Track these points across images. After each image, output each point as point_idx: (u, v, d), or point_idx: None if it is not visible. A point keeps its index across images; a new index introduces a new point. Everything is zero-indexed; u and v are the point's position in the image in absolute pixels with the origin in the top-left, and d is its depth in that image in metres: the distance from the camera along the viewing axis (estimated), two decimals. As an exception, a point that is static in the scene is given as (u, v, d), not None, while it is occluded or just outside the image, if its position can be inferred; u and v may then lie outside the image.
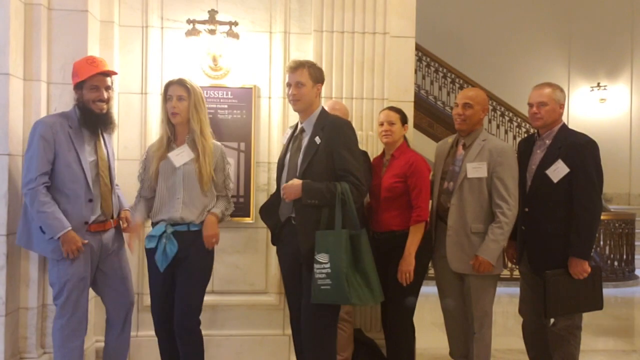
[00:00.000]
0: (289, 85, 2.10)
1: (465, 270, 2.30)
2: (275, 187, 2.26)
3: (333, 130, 2.04)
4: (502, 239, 2.25)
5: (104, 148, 2.22)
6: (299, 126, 2.16)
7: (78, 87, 2.16)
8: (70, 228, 2.06)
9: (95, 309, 2.59)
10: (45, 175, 2.07)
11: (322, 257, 1.96)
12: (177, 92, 2.14)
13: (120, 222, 2.31)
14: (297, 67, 2.07)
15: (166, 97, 2.17)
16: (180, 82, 2.17)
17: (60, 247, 2.08)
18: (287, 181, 2.08)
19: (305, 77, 2.07)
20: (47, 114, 2.49)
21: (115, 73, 2.30)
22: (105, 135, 2.25)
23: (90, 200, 2.12)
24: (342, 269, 1.93)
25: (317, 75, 2.10)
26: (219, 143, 2.30)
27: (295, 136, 2.15)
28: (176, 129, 2.20)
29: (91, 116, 2.14)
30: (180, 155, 2.15)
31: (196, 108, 2.16)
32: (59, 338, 2.13)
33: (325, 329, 2.06)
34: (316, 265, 1.97)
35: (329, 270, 1.94)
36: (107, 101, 2.17)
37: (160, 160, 2.16)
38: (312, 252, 1.99)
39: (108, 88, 2.18)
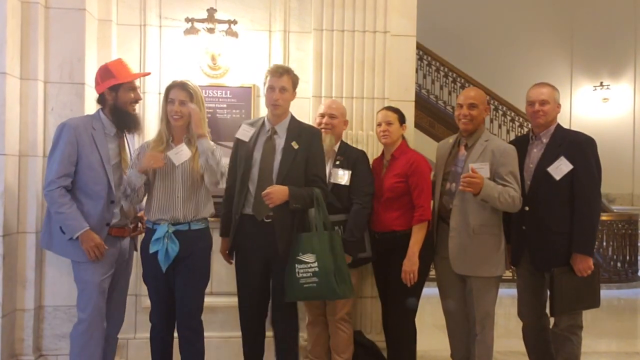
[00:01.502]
0: (272, 88, 2.18)
1: (468, 272, 2.29)
2: None
3: (311, 138, 2.22)
4: (501, 192, 2.16)
5: (127, 150, 2.24)
6: (269, 126, 2.24)
7: (113, 89, 2.16)
8: (88, 227, 2.08)
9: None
10: (66, 178, 2.10)
11: (307, 257, 2.12)
12: (179, 96, 2.13)
13: (138, 225, 2.33)
14: (283, 73, 2.18)
15: (167, 99, 2.16)
16: (183, 87, 2.15)
17: (79, 249, 2.09)
18: (259, 179, 2.16)
19: (289, 83, 2.20)
20: (44, 113, 2.48)
21: (149, 73, 2.42)
22: (128, 137, 2.27)
23: (112, 202, 2.15)
24: (330, 267, 2.12)
25: (295, 82, 2.25)
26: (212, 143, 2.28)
27: (268, 136, 2.22)
28: (174, 129, 2.19)
29: (128, 117, 2.17)
30: (179, 154, 2.14)
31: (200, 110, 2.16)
32: (77, 345, 2.13)
33: (297, 322, 2.29)
34: (300, 266, 2.12)
35: (316, 269, 2.11)
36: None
37: None
38: (288, 252, 2.15)
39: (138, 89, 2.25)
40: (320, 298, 2.24)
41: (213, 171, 2.10)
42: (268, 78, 2.20)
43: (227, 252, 2.31)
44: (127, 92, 2.17)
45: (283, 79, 2.18)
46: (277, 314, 2.26)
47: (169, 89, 2.17)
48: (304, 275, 2.11)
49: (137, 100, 2.20)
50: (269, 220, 2.16)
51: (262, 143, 2.21)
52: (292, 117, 2.27)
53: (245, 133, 2.24)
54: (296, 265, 2.13)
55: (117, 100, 2.17)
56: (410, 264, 2.26)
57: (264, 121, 2.27)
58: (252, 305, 2.25)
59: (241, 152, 2.24)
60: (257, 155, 2.20)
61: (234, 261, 2.32)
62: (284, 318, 2.25)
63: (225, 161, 2.20)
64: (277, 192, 2.10)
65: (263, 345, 2.33)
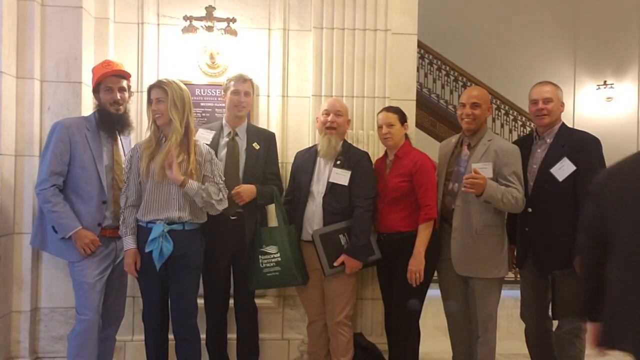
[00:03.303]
0: (237, 92, 2.36)
1: (471, 273, 2.26)
2: None
3: (270, 141, 2.47)
4: (504, 193, 2.14)
5: (121, 152, 2.23)
6: (229, 129, 2.40)
7: (96, 90, 2.20)
8: (81, 227, 2.09)
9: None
10: (58, 176, 2.10)
11: (271, 249, 2.32)
12: (156, 94, 2.13)
13: None
14: (247, 80, 2.41)
15: (149, 101, 2.16)
16: (158, 85, 2.14)
17: (73, 249, 2.10)
18: (225, 178, 2.27)
19: (251, 89, 2.42)
20: (41, 112, 2.46)
21: (127, 74, 2.25)
22: (123, 139, 2.26)
23: (104, 202, 2.15)
24: (291, 257, 2.31)
25: (254, 90, 2.49)
26: (204, 144, 2.26)
27: (230, 138, 2.39)
28: (163, 130, 2.17)
29: (108, 118, 2.16)
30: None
31: (175, 106, 2.10)
32: (74, 345, 2.13)
33: (256, 313, 2.48)
34: (263, 257, 2.33)
35: (279, 259, 2.31)
36: (122, 103, 2.18)
37: (150, 159, 2.13)
38: (253, 244, 2.35)
39: (122, 89, 2.20)
40: (282, 285, 2.45)
41: (211, 205, 2.14)
42: (232, 83, 2.38)
43: None
44: (104, 93, 2.17)
45: (247, 84, 2.39)
46: (241, 301, 2.43)
47: (148, 91, 2.16)
48: (267, 265, 2.32)
49: (114, 101, 2.16)
50: (234, 218, 2.32)
51: (224, 144, 2.38)
52: (249, 121, 2.49)
53: (204, 137, 2.37)
54: (260, 256, 2.33)
55: (100, 101, 2.19)
56: (417, 263, 2.23)
57: (221, 125, 2.43)
58: (220, 299, 2.39)
59: None
60: (222, 155, 2.36)
61: None
62: (246, 307, 2.43)
63: (213, 189, 2.17)
64: (246, 191, 2.30)
65: (226, 338, 2.47)
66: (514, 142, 2.49)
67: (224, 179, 2.23)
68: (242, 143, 2.39)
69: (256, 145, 2.39)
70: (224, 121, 2.43)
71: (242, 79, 2.38)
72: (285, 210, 2.38)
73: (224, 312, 2.42)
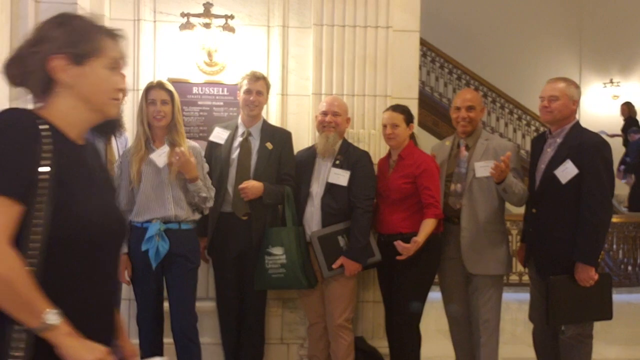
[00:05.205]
0: (249, 91, 2.33)
1: (479, 270, 2.26)
2: None
3: (285, 140, 2.41)
4: (515, 183, 2.17)
5: (115, 152, 2.21)
6: (243, 129, 2.39)
7: None
8: None
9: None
10: None
11: (276, 250, 2.27)
12: (160, 96, 2.13)
13: None
14: (260, 78, 2.37)
15: (147, 100, 2.13)
16: (162, 86, 2.15)
17: None
18: (237, 179, 2.30)
19: (264, 88, 2.38)
20: (35, 111, 2.42)
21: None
22: (118, 140, 2.24)
23: None
24: (297, 259, 2.25)
25: (269, 88, 2.45)
26: (194, 143, 2.29)
27: (244, 138, 2.37)
28: (155, 130, 2.15)
29: None
30: (163, 156, 2.13)
31: (179, 110, 2.17)
32: None
33: (264, 313, 2.46)
34: (269, 257, 2.27)
35: (285, 261, 2.25)
36: None
37: (141, 162, 2.12)
38: (260, 244, 2.30)
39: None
40: (287, 288, 2.38)
41: (201, 203, 2.18)
42: (245, 82, 2.35)
43: (206, 250, 2.40)
44: None
45: (259, 83, 2.35)
46: (248, 304, 2.39)
47: (147, 91, 2.15)
48: (273, 266, 2.27)
49: None
50: (245, 218, 2.30)
51: (238, 144, 2.36)
52: (264, 120, 2.45)
53: (219, 136, 2.38)
54: (266, 257, 2.28)
55: None
56: (407, 249, 2.16)
57: (237, 124, 2.41)
58: (231, 298, 2.37)
59: (217, 154, 2.33)
60: (235, 156, 2.34)
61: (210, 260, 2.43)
62: (254, 307, 2.39)
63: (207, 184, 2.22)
64: (253, 187, 2.26)
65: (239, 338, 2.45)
66: (532, 139, 2.47)
67: (211, 182, 2.24)
68: (255, 143, 2.36)
69: (269, 145, 2.34)
70: (239, 120, 2.42)
71: (255, 78, 2.34)
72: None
73: (238, 314, 2.39)
